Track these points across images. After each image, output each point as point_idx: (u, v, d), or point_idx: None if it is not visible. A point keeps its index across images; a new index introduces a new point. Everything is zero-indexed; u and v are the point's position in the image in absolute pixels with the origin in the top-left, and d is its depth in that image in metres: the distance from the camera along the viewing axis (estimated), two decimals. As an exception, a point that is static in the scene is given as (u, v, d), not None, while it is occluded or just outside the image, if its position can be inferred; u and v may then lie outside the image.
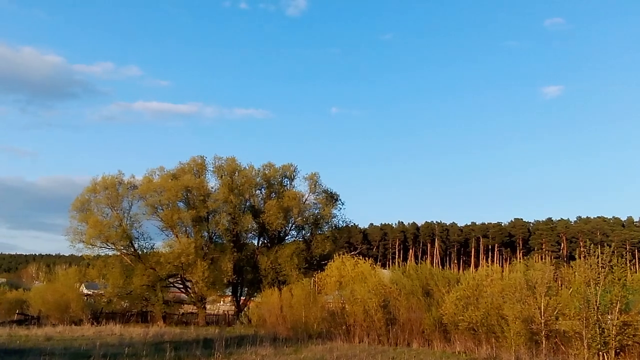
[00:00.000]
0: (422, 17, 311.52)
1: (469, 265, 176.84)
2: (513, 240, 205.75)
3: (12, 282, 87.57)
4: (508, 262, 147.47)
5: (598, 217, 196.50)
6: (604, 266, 21.19)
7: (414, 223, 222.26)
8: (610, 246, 22.22)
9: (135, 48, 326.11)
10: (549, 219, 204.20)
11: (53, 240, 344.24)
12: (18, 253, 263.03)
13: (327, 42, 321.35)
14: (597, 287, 21.04)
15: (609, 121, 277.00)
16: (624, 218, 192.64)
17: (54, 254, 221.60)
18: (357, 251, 57.21)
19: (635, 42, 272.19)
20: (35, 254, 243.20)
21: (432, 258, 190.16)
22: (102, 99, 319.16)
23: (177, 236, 47.96)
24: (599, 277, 21.09)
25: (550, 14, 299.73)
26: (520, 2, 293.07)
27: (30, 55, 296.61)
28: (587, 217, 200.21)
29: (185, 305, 54.06)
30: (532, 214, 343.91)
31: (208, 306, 55.27)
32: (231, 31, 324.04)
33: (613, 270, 21.00)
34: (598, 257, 21.31)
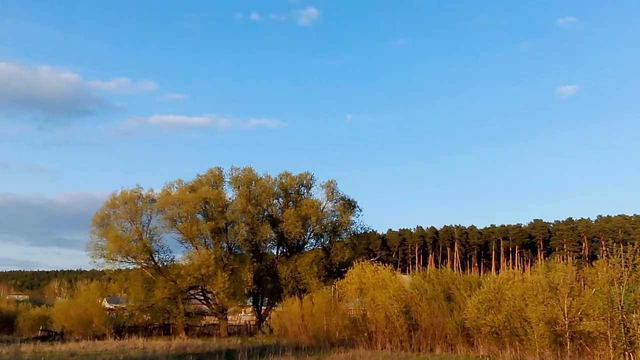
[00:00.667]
0: (433, 21, 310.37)
1: (490, 268, 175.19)
2: (533, 242, 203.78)
3: (35, 299, 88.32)
4: (529, 264, 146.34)
5: (619, 215, 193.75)
6: (627, 265, 20.96)
7: (432, 227, 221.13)
8: (632, 244, 21.98)
9: (149, 63, 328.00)
10: (570, 219, 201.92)
11: (74, 256, 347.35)
12: (40, 270, 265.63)
13: (340, 50, 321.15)
14: (621, 287, 20.82)
15: (626, 118, 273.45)
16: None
17: (75, 270, 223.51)
18: (377, 257, 57.01)
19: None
20: (57, 270, 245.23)
21: (452, 262, 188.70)
22: (119, 115, 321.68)
23: (196, 248, 48.18)
24: (622, 276, 20.87)
25: (562, 13, 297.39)
26: (531, 3, 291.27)
27: (46, 74, 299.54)
28: (608, 215, 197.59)
29: (206, 317, 54.18)
30: (552, 215, 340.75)
31: (229, 317, 55.39)
32: (243, 42, 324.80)
33: (636, 269, 20.78)
34: (620, 256, 21.09)
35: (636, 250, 21.49)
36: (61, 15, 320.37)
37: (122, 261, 48.32)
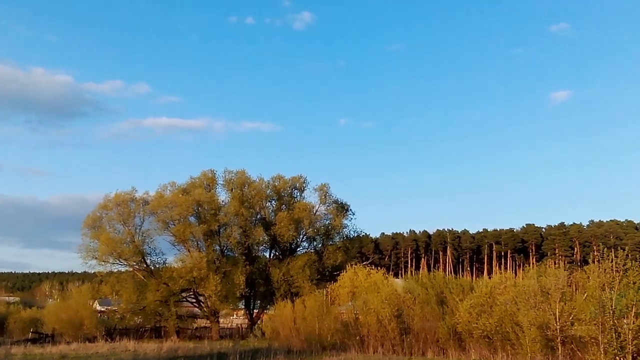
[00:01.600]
0: (428, 27, 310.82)
1: (482, 273, 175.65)
2: (526, 246, 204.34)
3: (26, 301, 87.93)
4: (521, 269, 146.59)
5: (611, 220, 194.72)
6: (619, 270, 21.02)
7: (425, 231, 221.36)
8: (624, 249, 22.06)
9: (143, 65, 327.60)
10: (562, 224, 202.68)
11: (66, 258, 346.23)
12: (31, 272, 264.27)
13: (334, 54, 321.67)
14: (612, 292, 20.88)
15: (618, 124, 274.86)
16: (637, 221, 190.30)
17: (67, 272, 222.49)
18: (369, 261, 56.99)
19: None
20: (48, 272, 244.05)
21: (445, 266, 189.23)
22: (113, 117, 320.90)
23: (189, 251, 48.04)
24: (613, 281, 20.93)
25: (555, 19, 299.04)
26: (525, 9, 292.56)
27: (40, 76, 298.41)
28: (600, 220, 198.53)
29: (198, 320, 54.06)
30: (545, 219, 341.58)
31: (221, 320, 55.24)
32: (238, 46, 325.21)
33: (627, 274, 20.84)
34: (612, 261, 21.16)
35: (627, 255, 21.56)
36: (55, 17, 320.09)
37: (113, 263, 48.21)
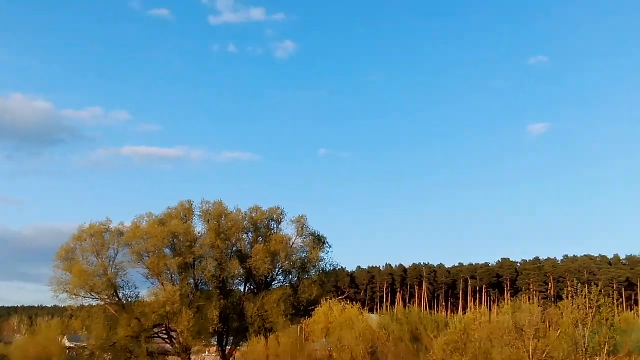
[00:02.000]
0: (409, 58, 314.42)
1: (457, 308, 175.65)
2: (501, 281, 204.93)
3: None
4: (496, 304, 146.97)
5: (585, 255, 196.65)
6: (592, 306, 21.18)
7: (401, 265, 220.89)
8: (597, 285, 22.27)
9: (124, 92, 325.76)
10: (536, 259, 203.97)
11: (38, 292, 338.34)
12: (0, 305, 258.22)
13: (315, 84, 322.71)
14: (585, 329, 20.98)
15: (594, 159, 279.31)
16: (610, 256, 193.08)
17: (37, 306, 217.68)
18: (345, 295, 56.71)
19: (617, 78, 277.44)
20: (17, 306, 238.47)
21: (420, 301, 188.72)
22: (90, 145, 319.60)
23: (162, 284, 47.35)
24: (586, 318, 21.06)
25: (534, 52, 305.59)
26: (503, 42, 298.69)
27: (19, 102, 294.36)
28: (574, 255, 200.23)
29: (169, 357, 52.98)
30: (520, 254, 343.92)
31: (193, 357, 54.20)
32: (219, 75, 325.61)
33: (600, 311, 21.00)
34: (585, 297, 21.32)
35: (600, 291, 21.77)
36: (36, 43, 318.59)
37: (85, 297, 47.41)
